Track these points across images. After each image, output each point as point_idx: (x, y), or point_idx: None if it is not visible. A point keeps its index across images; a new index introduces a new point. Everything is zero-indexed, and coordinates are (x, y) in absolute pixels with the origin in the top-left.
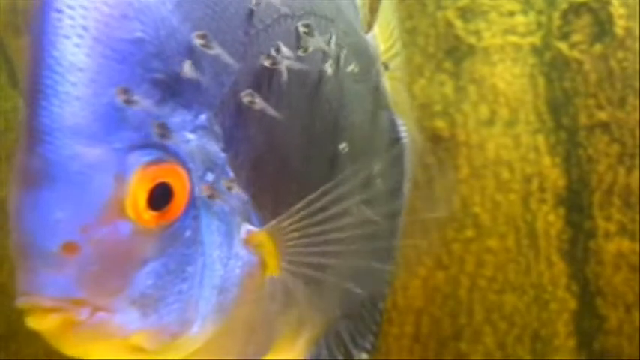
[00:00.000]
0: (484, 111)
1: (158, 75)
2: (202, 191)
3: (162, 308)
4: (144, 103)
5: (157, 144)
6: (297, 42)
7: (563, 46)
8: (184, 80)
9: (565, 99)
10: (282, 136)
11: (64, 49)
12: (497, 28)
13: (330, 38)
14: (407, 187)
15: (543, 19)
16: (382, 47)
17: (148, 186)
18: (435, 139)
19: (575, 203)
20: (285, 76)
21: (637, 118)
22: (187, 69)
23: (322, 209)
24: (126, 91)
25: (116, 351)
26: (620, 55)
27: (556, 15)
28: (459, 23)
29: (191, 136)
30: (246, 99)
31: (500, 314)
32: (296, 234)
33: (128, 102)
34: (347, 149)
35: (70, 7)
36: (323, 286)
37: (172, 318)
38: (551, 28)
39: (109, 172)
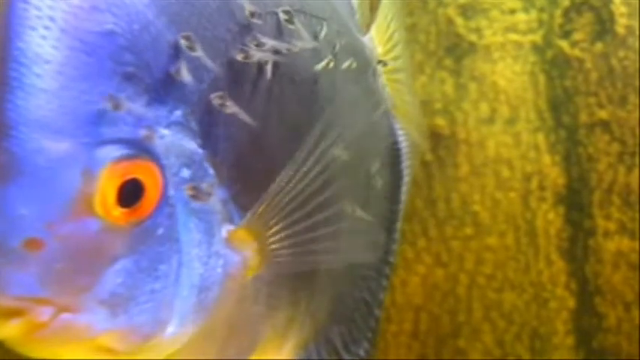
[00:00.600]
0: (484, 109)
1: (130, 69)
2: (177, 188)
3: (132, 308)
4: (114, 96)
5: (129, 139)
6: (282, 39)
7: (564, 44)
8: (158, 75)
9: (566, 97)
10: (267, 133)
11: (29, 40)
12: (498, 25)
13: (319, 35)
14: (404, 190)
15: (545, 16)
16: (380, 49)
17: (117, 182)
18: (435, 136)
19: (575, 202)
20: (269, 72)
21: (637, 116)
22: (162, 64)
23: (303, 200)
24: (95, 84)
25: (84, 353)
26: (621, 53)
27: (558, 13)
28: (459, 21)
29: (165, 132)
30: (216, 102)
31: (500, 312)
32: (278, 226)
33: (97, 95)
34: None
35: None
36: (312, 288)
37: (144, 318)
38: (552, 26)
39: (76, 167)
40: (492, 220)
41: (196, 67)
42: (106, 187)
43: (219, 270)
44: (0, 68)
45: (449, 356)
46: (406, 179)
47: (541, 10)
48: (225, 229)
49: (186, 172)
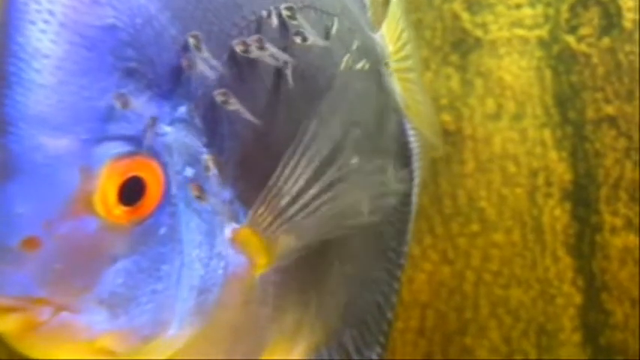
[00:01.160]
0: (490, 104)
1: (132, 64)
2: (180, 187)
3: (133, 309)
4: (115, 92)
5: (130, 136)
6: (291, 35)
7: (570, 39)
8: (161, 70)
9: (572, 93)
10: (275, 130)
11: (29, 34)
12: (504, 20)
13: (330, 32)
14: (415, 192)
15: (551, 11)
16: (391, 47)
17: (118, 180)
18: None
19: (582, 198)
20: (272, 68)
21: None
22: (165, 59)
23: (305, 197)
24: (95, 79)
25: (83, 353)
26: (628, 48)
27: (564, 8)
28: (465, 16)
29: (168, 129)
30: (219, 99)
31: (506, 309)
32: (283, 225)
33: (97, 91)
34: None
35: None
36: (322, 291)
37: (145, 319)
38: (558, 21)
39: (75, 164)
40: (499, 217)
41: (201, 63)
42: (107, 186)
43: (221, 272)
44: None
45: (455, 353)
46: (417, 180)
47: (547, 4)
48: (230, 229)
49: (189, 171)
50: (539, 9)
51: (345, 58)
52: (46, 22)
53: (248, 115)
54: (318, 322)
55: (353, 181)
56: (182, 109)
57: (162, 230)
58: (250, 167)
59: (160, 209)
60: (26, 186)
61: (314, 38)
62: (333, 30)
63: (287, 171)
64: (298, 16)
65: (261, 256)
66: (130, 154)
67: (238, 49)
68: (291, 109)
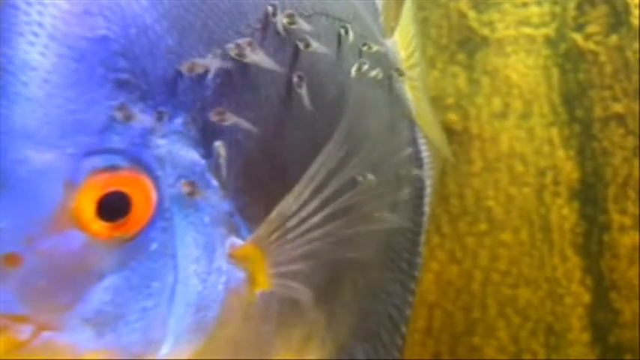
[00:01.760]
0: (497, 103)
1: (124, 75)
2: (175, 200)
3: (122, 327)
4: (104, 104)
5: (117, 149)
6: (294, 42)
7: (578, 37)
8: (156, 82)
9: (580, 91)
10: (277, 141)
11: (16, 46)
12: (510, 19)
13: (341, 39)
14: (427, 202)
15: (558, 9)
16: (403, 54)
17: (96, 194)
18: (447, 132)
19: (590, 196)
20: (277, 77)
21: None
22: (160, 70)
23: (315, 210)
24: (84, 92)
25: None
26: (636, 45)
27: (571, 5)
28: (472, 14)
29: (161, 141)
30: (215, 118)
31: (514, 308)
32: (289, 244)
33: (85, 104)
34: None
35: (27, 3)
36: (333, 304)
37: (134, 337)
38: (565, 19)
39: (58, 178)
40: (506, 216)
41: (199, 73)
42: (83, 199)
43: (221, 287)
44: None
45: (463, 353)
46: (428, 190)
47: (554, 2)
48: (229, 244)
49: (185, 184)
50: (546, 7)
51: (356, 66)
52: (34, 34)
53: (247, 126)
54: (329, 336)
55: (367, 206)
56: (177, 121)
57: (154, 246)
58: (251, 179)
59: (151, 225)
60: (8, 201)
61: (317, 45)
62: (350, 38)
63: (304, 193)
64: (302, 21)
65: (260, 275)
66: (112, 168)
67: (232, 52)
68: (297, 119)
